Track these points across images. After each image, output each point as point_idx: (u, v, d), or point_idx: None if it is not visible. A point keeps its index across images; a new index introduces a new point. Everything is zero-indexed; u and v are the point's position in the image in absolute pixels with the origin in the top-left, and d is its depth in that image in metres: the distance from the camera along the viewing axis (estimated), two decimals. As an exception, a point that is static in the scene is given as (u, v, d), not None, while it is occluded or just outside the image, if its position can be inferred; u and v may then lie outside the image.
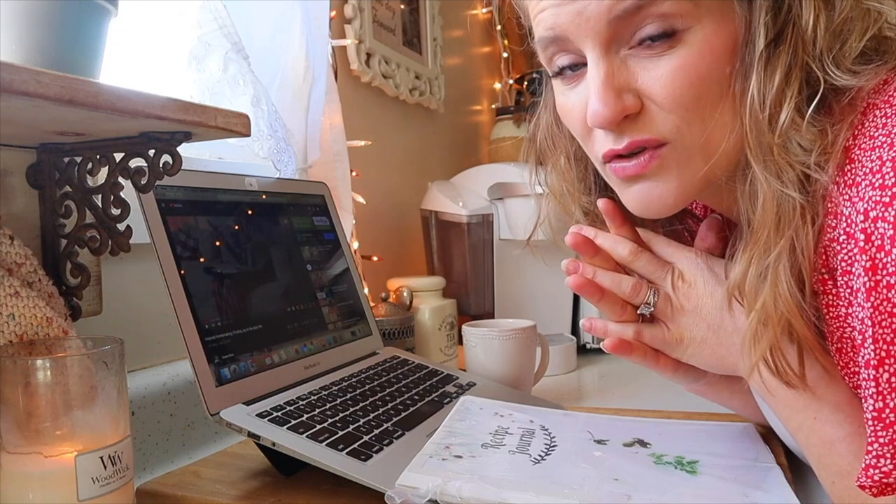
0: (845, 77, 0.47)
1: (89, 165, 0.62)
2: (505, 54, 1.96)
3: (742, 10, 0.49)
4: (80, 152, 0.63)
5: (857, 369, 0.49)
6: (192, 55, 0.81)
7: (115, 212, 0.62)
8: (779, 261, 0.48)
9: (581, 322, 0.64)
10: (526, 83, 1.84)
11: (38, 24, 0.48)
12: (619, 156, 0.54)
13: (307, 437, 0.60)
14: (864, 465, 0.44)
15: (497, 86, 2.00)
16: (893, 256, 0.42)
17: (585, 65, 0.52)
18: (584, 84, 0.53)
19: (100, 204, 0.63)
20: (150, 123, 0.53)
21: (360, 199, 1.14)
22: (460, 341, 0.96)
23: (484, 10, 1.93)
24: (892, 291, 0.42)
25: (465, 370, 0.90)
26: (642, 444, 0.64)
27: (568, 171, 0.66)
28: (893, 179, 0.42)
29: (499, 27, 1.94)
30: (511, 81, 1.94)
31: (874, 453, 0.44)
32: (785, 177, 0.48)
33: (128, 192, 0.61)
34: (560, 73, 0.55)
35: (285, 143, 0.89)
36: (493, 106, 1.96)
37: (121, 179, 0.62)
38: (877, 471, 0.43)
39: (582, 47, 0.52)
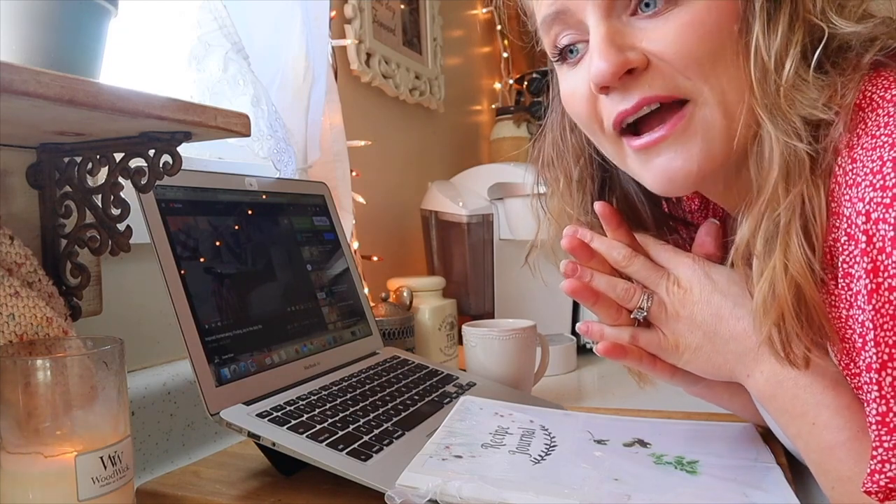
0: (850, 25, 0.47)
1: (89, 165, 0.62)
2: (505, 54, 1.96)
3: None
4: (80, 152, 0.63)
5: (857, 371, 0.49)
6: (192, 55, 0.81)
7: (115, 212, 0.62)
8: (789, 217, 0.47)
9: (577, 325, 0.63)
10: (526, 83, 1.84)
11: (38, 24, 0.48)
12: (634, 132, 0.53)
13: (307, 437, 0.60)
14: (869, 470, 0.44)
15: (497, 86, 2.00)
16: (894, 259, 0.41)
17: (588, 42, 0.52)
18: (586, 61, 0.53)
19: (100, 204, 0.63)
20: (150, 123, 0.53)
21: (360, 199, 1.14)
22: (460, 341, 0.96)
23: (484, 11, 1.93)
24: (894, 294, 0.41)
25: (465, 370, 0.90)
26: (642, 444, 0.64)
27: (567, 194, 0.66)
28: (894, 180, 0.42)
29: (499, 27, 1.94)
30: (511, 81, 1.94)
31: (879, 458, 0.43)
32: (791, 127, 0.47)
33: (128, 192, 0.61)
34: (563, 55, 0.55)
35: (285, 143, 0.89)
36: (493, 106, 1.96)
37: (121, 179, 0.62)
38: (882, 476, 0.43)
39: (583, 17, 0.51)
